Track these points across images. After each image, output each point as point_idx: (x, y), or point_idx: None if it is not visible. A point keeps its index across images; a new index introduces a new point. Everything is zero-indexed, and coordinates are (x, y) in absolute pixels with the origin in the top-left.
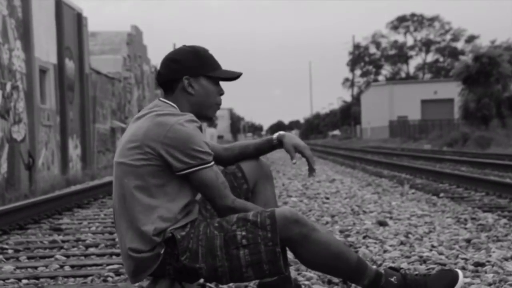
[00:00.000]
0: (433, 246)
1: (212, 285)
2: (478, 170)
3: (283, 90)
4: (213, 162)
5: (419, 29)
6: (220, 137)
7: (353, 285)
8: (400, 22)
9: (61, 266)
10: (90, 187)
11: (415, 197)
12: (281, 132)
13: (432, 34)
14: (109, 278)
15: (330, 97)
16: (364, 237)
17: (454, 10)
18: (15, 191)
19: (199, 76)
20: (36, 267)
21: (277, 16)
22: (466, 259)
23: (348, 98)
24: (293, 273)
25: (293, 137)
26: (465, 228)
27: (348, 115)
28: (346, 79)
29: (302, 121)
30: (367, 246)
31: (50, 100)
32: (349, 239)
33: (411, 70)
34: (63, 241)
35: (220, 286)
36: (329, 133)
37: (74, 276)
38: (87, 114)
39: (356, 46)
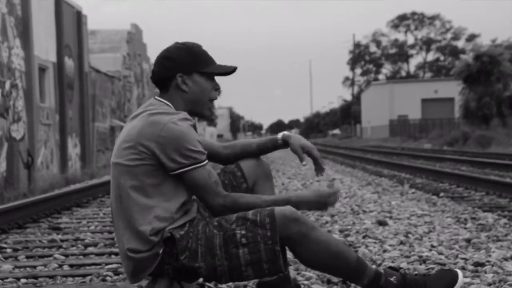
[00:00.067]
0: (432, 246)
1: (211, 284)
2: (478, 169)
3: (283, 89)
4: (206, 161)
5: (420, 28)
6: (219, 136)
7: (352, 284)
8: (400, 21)
9: (60, 266)
10: (89, 186)
11: (415, 197)
12: (286, 133)
13: (433, 33)
14: (108, 278)
15: (330, 96)
16: (363, 237)
17: (455, 8)
18: (14, 190)
19: (192, 73)
20: (34, 266)
21: (277, 15)
22: (465, 259)
23: (348, 97)
24: (292, 273)
25: (299, 137)
26: (465, 228)
27: (348, 114)
28: (346, 78)
29: (302, 120)
30: (367, 246)
31: (50, 99)
32: (349, 238)
33: (412, 69)
34: (62, 240)
35: (219, 285)
36: (329, 132)
37: (73, 276)
38: (87, 113)
39: (357, 45)
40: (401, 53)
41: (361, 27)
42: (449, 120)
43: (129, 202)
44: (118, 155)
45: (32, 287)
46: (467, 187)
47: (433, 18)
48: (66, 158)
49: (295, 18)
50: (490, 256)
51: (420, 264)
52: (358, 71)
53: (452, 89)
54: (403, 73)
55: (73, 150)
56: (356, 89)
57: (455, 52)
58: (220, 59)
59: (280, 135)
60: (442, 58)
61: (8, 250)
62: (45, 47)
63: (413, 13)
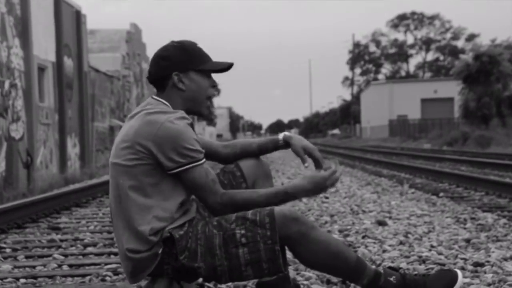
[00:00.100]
0: (432, 246)
1: (210, 284)
2: (478, 169)
3: (282, 88)
4: (203, 160)
5: (419, 28)
6: (219, 136)
7: (352, 284)
8: (400, 21)
9: (59, 266)
10: (89, 186)
11: (415, 197)
12: (287, 133)
13: (432, 33)
14: (107, 278)
15: (330, 96)
16: (363, 237)
17: (454, 8)
18: (13, 189)
19: (188, 71)
20: (34, 266)
21: (277, 15)
22: (465, 259)
23: (348, 97)
24: (292, 273)
25: (301, 139)
26: (465, 228)
27: (347, 114)
28: (346, 78)
29: (301, 120)
30: (366, 246)
31: (49, 98)
32: (348, 238)
33: (411, 68)
34: (61, 240)
35: (219, 285)
36: (329, 132)
37: (72, 276)
38: (86, 113)
39: (356, 45)
40: (400, 53)
41: (361, 27)
42: (448, 120)
43: (128, 202)
44: (116, 155)
45: (32, 287)
46: (466, 187)
47: (432, 18)
48: (65, 158)
49: (295, 18)
50: (489, 256)
51: (420, 264)
52: (358, 71)
53: (451, 89)
54: (403, 73)
55: (72, 150)
56: (355, 89)
57: (454, 52)
58: (219, 59)
59: (281, 135)
60: (441, 58)
61: (7, 250)
62: (44, 46)
63: (413, 13)
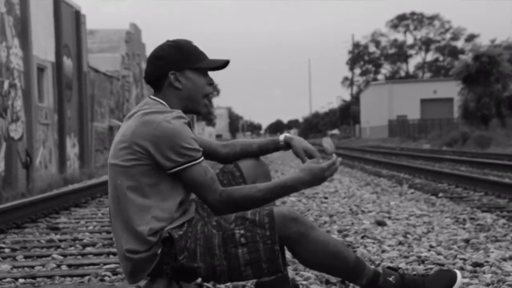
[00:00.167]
0: (431, 246)
1: (209, 284)
2: (477, 170)
3: (282, 89)
4: (202, 158)
5: (419, 28)
6: (218, 136)
7: (351, 284)
8: (400, 21)
9: (58, 266)
10: (88, 186)
11: (414, 197)
12: (288, 135)
13: (432, 33)
14: (106, 278)
15: (329, 96)
16: (362, 237)
17: (454, 9)
18: (12, 190)
19: (184, 70)
20: (33, 267)
21: (277, 15)
22: (464, 259)
23: (347, 97)
24: (291, 273)
25: (302, 140)
26: (464, 228)
27: (347, 114)
28: (346, 78)
29: (301, 120)
30: (365, 246)
31: (48, 99)
32: (348, 239)
33: (411, 69)
34: (60, 240)
35: (218, 285)
36: (328, 132)
37: (71, 276)
38: (85, 113)
39: (356, 45)
40: (400, 53)
41: (360, 27)
42: (448, 120)
43: (127, 202)
44: (114, 155)
45: (30, 287)
46: (466, 188)
47: (432, 18)
48: (65, 158)
49: (294, 18)
50: (488, 256)
51: (419, 265)
52: (357, 71)
53: (451, 89)
54: (402, 73)
55: (72, 150)
56: (355, 89)
57: (454, 52)
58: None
59: (282, 136)
60: (441, 58)
61: (6, 250)
62: (43, 46)
63: (412, 13)
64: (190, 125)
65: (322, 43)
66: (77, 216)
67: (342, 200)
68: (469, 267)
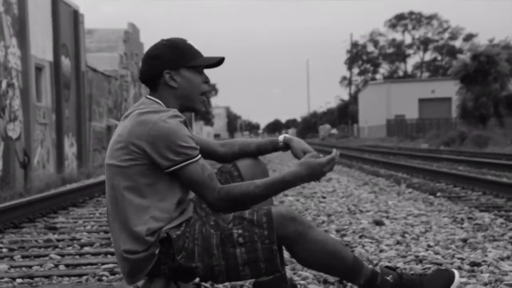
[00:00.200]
0: (429, 246)
1: (207, 284)
2: (475, 169)
3: (280, 88)
4: (199, 156)
5: (417, 28)
6: (216, 136)
7: (349, 284)
8: (398, 20)
9: (56, 265)
10: (86, 186)
11: (412, 197)
12: (287, 135)
13: (430, 33)
14: (104, 278)
15: (328, 95)
16: (360, 237)
17: (452, 8)
18: (10, 189)
19: (179, 68)
20: (30, 266)
21: (275, 15)
22: (462, 259)
23: (346, 97)
24: (288, 273)
25: (301, 142)
26: (462, 228)
27: (345, 114)
28: (344, 78)
29: (299, 119)
30: (363, 246)
31: (46, 98)
32: (346, 238)
33: (409, 68)
34: (58, 240)
35: (216, 285)
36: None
37: (69, 275)
38: (83, 112)
39: (354, 45)
40: (398, 53)
41: (359, 26)
42: (446, 120)
43: (124, 203)
44: (111, 156)
45: (28, 287)
46: (464, 187)
47: (430, 17)
48: (63, 157)
49: (293, 18)
50: (486, 256)
51: (417, 264)
52: (356, 70)
53: (449, 89)
54: (401, 73)
55: (70, 149)
56: (353, 88)
57: (452, 52)
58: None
59: (281, 137)
60: (439, 58)
61: (4, 250)
62: (41, 46)
63: (411, 13)
64: (186, 123)
65: (320, 42)
66: (75, 216)
67: (340, 200)
68: (467, 267)
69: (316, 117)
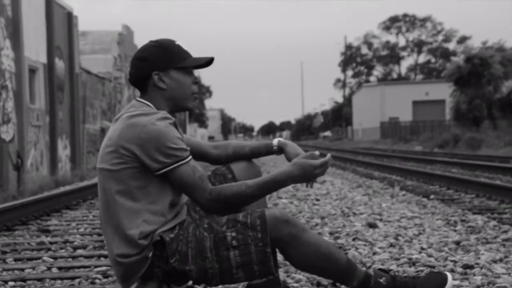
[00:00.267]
0: (422, 248)
1: (201, 287)
2: (468, 171)
3: (274, 91)
4: (189, 158)
5: (411, 30)
6: (210, 138)
7: (342, 286)
8: (392, 23)
9: (49, 268)
10: (79, 188)
11: (406, 199)
12: (281, 140)
13: (424, 35)
14: (97, 281)
15: (322, 98)
16: (353, 239)
17: (446, 10)
18: (3, 192)
19: (168, 69)
20: (23, 269)
21: (269, 17)
22: (455, 262)
23: (340, 99)
24: (282, 275)
25: (295, 146)
26: (455, 230)
27: (339, 116)
28: (338, 80)
29: (293, 122)
30: (357, 248)
31: (40, 100)
32: (339, 241)
33: (403, 71)
34: (51, 243)
35: None
36: (320, 134)
37: (62, 278)
38: (77, 114)
39: (348, 47)
40: (392, 55)
41: (353, 29)
42: (440, 122)
43: (116, 207)
44: (102, 160)
45: None
46: (457, 189)
47: (424, 20)
48: (56, 159)
49: (287, 20)
50: (479, 258)
51: (410, 267)
52: (350, 73)
53: (443, 91)
54: (395, 75)
55: (63, 151)
56: (347, 91)
57: (446, 54)
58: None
59: (275, 141)
60: (433, 60)
61: None
62: (35, 48)
63: (405, 15)
64: (176, 125)
65: (314, 44)
66: (68, 218)
67: (334, 202)
68: (459, 269)
69: (310, 119)
